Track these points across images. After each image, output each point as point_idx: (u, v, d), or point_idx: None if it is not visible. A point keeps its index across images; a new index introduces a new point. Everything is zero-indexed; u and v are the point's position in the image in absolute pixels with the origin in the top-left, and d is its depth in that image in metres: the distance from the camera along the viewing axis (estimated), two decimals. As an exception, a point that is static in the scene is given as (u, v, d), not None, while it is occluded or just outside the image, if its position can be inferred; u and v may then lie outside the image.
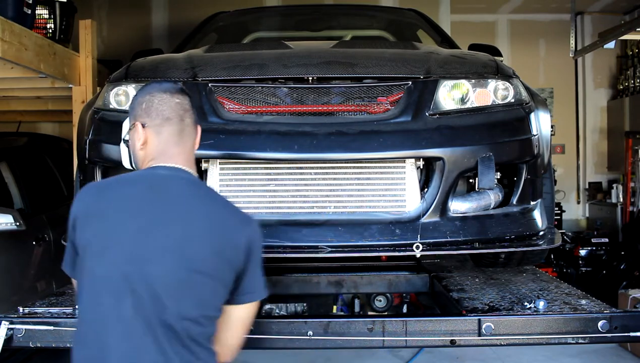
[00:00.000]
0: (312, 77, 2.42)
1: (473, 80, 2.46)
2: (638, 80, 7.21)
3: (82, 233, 1.54)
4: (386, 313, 4.64)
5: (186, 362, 1.47)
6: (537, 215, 2.50)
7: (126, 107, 2.47)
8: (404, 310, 4.91)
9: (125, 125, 1.75)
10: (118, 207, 1.54)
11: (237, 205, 2.32)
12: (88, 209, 1.56)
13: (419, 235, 2.29)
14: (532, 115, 2.48)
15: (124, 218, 1.52)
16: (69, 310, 2.31)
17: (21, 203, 4.39)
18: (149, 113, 1.64)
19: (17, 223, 3.78)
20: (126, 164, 2.34)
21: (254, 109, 2.39)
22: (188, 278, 1.49)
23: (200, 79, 2.44)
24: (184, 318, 1.47)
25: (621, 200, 6.95)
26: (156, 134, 1.64)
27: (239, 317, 1.63)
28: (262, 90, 2.43)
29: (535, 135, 2.46)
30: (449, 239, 2.32)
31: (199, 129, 1.72)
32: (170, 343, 1.46)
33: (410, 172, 2.34)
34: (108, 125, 2.44)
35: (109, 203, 1.55)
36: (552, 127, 2.74)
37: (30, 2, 3.56)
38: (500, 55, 3.15)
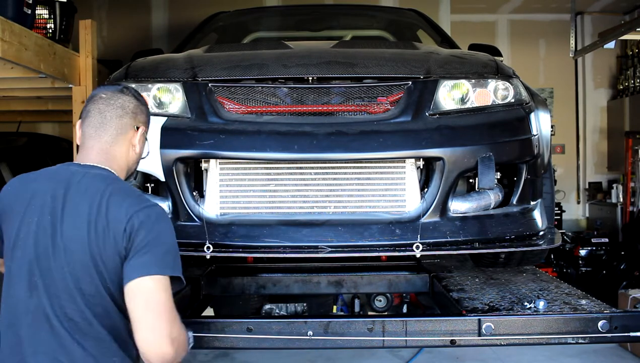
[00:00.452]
0: (312, 77, 2.42)
1: (473, 80, 2.46)
2: (638, 80, 7.21)
3: (3, 225, 1.63)
4: (386, 313, 4.66)
5: (89, 354, 1.52)
6: (537, 215, 2.50)
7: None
8: (404, 310, 4.92)
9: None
10: (29, 204, 1.59)
11: (237, 205, 2.33)
12: (9, 203, 1.63)
13: (419, 235, 2.29)
14: (532, 115, 2.48)
15: (31, 215, 1.58)
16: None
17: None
18: (83, 110, 1.73)
19: (17, 223, 3.77)
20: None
21: (254, 109, 2.40)
22: (80, 273, 1.53)
23: (200, 79, 2.45)
24: (83, 310, 1.52)
25: (621, 200, 6.95)
26: (82, 129, 1.71)
27: (131, 295, 1.52)
28: (262, 90, 2.43)
29: (535, 135, 2.46)
30: (449, 239, 2.32)
31: (141, 129, 1.75)
32: (71, 335, 1.52)
33: (410, 172, 2.34)
34: (108, 125, 2.44)
35: (23, 199, 1.61)
36: (552, 127, 2.74)
37: (30, 2, 3.55)
38: (500, 55, 3.15)
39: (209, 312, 3.46)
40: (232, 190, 2.35)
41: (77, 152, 1.71)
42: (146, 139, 1.81)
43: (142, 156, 1.81)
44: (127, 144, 1.72)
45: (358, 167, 2.34)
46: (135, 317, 1.51)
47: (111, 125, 1.69)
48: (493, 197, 2.43)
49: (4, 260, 1.64)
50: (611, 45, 6.18)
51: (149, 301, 1.50)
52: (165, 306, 1.52)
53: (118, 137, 1.70)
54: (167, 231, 1.59)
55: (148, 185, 2.53)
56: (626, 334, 2.16)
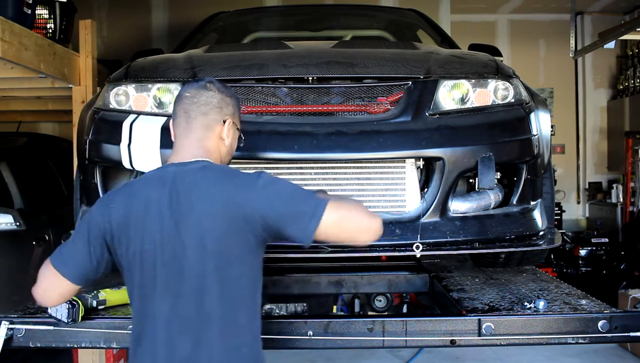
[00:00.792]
0: (312, 77, 2.42)
1: (473, 80, 2.45)
2: (638, 80, 7.21)
3: (120, 240, 1.61)
4: (386, 313, 4.65)
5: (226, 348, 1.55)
6: (537, 215, 2.50)
7: (126, 107, 2.47)
8: (404, 310, 4.92)
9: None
10: (145, 214, 1.59)
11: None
12: (122, 217, 1.60)
13: (419, 235, 2.29)
14: (532, 115, 2.48)
15: (152, 224, 1.58)
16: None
17: (21, 203, 4.39)
18: (173, 111, 1.76)
19: (17, 223, 3.78)
20: (126, 164, 2.36)
21: (254, 109, 2.39)
22: (215, 263, 1.56)
23: (200, 79, 2.44)
24: (220, 305, 1.55)
25: (621, 200, 6.96)
26: (173, 129, 1.75)
27: (329, 230, 1.58)
28: (262, 90, 2.43)
29: (535, 135, 2.46)
30: (449, 239, 2.32)
31: (228, 122, 1.74)
32: (209, 329, 1.56)
33: (410, 172, 2.34)
34: (108, 125, 2.44)
35: (137, 211, 1.60)
36: (552, 127, 2.73)
37: (30, 2, 3.55)
38: (500, 55, 3.15)
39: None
40: (232, 190, 2.35)
41: (172, 153, 1.73)
42: (238, 129, 1.81)
43: (239, 145, 1.84)
44: (216, 138, 1.72)
45: (358, 167, 2.34)
46: (345, 236, 1.62)
47: (197, 123, 1.70)
48: (493, 197, 2.43)
49: (125, 274, 1.64)
50: (611, 45, 6.18)
51: (336, 220, 1.57)
52: (344, 204, 1.62)
53: (206, 134, 1.70)
54: (284, 185, 1.63)
55: (148, 185, 2.53)
56: (626, 334, 2.15)
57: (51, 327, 2.14)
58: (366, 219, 1.61)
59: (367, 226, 1.62)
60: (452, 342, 2.15)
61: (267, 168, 2.34)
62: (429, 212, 2.32)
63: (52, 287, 1.71)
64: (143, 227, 1.58)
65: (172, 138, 1.76)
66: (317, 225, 1.54)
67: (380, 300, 4.68)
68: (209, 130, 1.71)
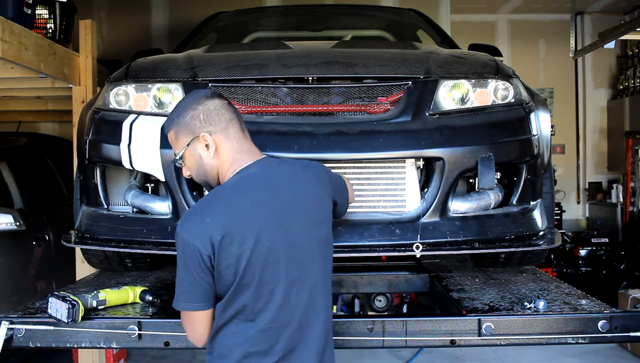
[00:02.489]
0: (312, 77, 2.42)
1: (473, 80, 2.45)
2: (638, 80, 7.21)
3: (226, 255, 1.59)
4: (386, 313, 4.65)
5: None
6: (537, 215, 2.50)
7: (126, 107, 2.47)
8: (404, 310, 4.91)
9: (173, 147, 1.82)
10: (248, 219, 1.62)
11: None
12: (226, 233, 1.58)
13: (419, 235, 2.29)
14: (532, 115, 2.48)
15: (268, 225, 1.63)
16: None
17: (21, 203, 4.39)
18: (210, 121, 1.72)
19: (17, 223, 3.78)
20: (126, 164, 2.36)
21: (254, 109, 2.39)
22: (325, 243, 1.75)
23: (200, 79, 2.44)
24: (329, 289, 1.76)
25: (621, 200, 6.96)
26: (225, 137, 1.72)
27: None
28: (262, 90, 2.43)
29: (535, 135, 2.45)
30: (449, 239, 2.32)
31: None
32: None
33: (410, 172, 2.34)
34: (108, 125, 2.44)
35: (242, 220, 1.61)
36: (552, 127, 2.73)
37: (30, 2, 3.55)
38: (500, 55, 3.15)
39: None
40: (232, 190, 2.35)
41: (233, 159, 1.73)
42: None
43: None
44: None
45: (358, 167, 2.34)
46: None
47: (245, 128, 1.79)
48: (493, 197, 2.43)
49: (244, 279, 1.61)
50: (611, 45, 6.18)
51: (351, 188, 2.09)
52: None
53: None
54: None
55: (148, 185, 2.53)
56: (626, 334, 2.15)
57: (51, 327, 2.14)
58: (349, 183, 2.10)
59: (351, 188, 2.12)
60: (452, 342, 2.16)
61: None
62: (429, 212, 2.32)
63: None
64: (251, 231, 1.60)
65: (218, 149, 1.72)
66: (349, 202, 2.00)
67: (380, 300, 4.68)
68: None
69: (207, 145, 1.72)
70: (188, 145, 1.74)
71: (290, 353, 1.63)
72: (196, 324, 1.69)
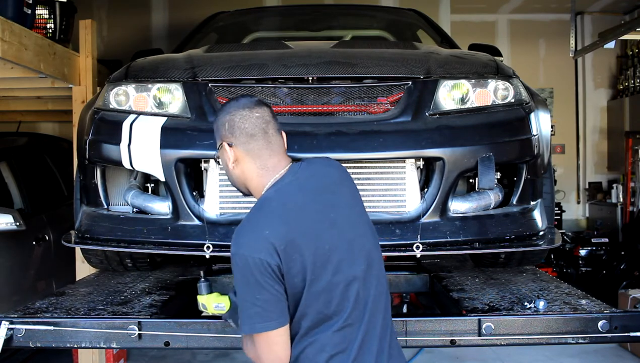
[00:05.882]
0: (312, 77, 2.42)
1: (473, 80, 2.45)
2: (638, 80, 7.21)
3: (292, 264, 1.57)
4: (386, 313, 4.64)
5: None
6: (537, 215, 2.50)
7: (126, 107, 2.47)
8: (404, 310, 4.91)
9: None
10: (308, 225, 1.61)
11: (238, 205, 2.33)
12: (288, 242, 1.56)
13: (419, 235, 2.29)
14: (532, 115, 2.48)
15: (322, 228, 1.62)
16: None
17: (21, 203, 4.39)
18: (232, 132, 1.70)
19: (17, 223, 3.78)
20: (126, 164, 2.36)
21: (254, 109, 2.39)
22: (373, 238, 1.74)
23: (200, 79, 2.44)
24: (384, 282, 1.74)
25: (621, 200, 6.96)
26: (245, 151, 1.70)
27: None
28: (262, 91, 2.43)
29: (535, 135, 2.45)
30: (449, 239, 2.32)
31: (284, 135, 1.78)
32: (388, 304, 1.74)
33: (410, 172, 2.34)
34: (108, 125, 2.44)
35: (298, 227, 1.59)
36: (552, 127, 2.73)
37: (30, 2, 3.56)
38: (500, 55, 3.15)
39: (209, 312, 3.46)
40: (232, 190, 2.34)
41: (259, 174, 1.71)
42: None
43: None
44: (284, 146, 1.78)
45: (358, 167, 2.34)
46: None
47: (275, 140, 1.73)
48: (493, 197, 2.43)
49: (311, 286, 1.58)
50: (611, 45, 6.18)
51: None
52: None
53: (282, 147, 1.75)
54: None
55: (148, 185, 2.53)
56: (626, 334, 2.16)
57: (51, 327, 2.14)
58: None
59: None
60: (452, 342, 2.16)
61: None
62: (429, 212, 2.32)
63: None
64: (314, 234, 1.59)
65: (233, 160, 1.71)
66: None
67: (380, 300, 4.67)
68: (283, 144, 1.76)
69: (227, 155, 1.72)
70: (218, 148, 1.76)
71: (364, 345, 1.62)
72: (275, 344, 1.57)
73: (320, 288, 1.58)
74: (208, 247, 2.29)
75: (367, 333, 1.63)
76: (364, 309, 1.63)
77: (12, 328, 2.13)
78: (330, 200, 1.67)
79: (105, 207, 2.52)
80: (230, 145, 1.70)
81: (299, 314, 1.59)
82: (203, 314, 1.97)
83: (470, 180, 2.49)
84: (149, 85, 2.47)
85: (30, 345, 2.16)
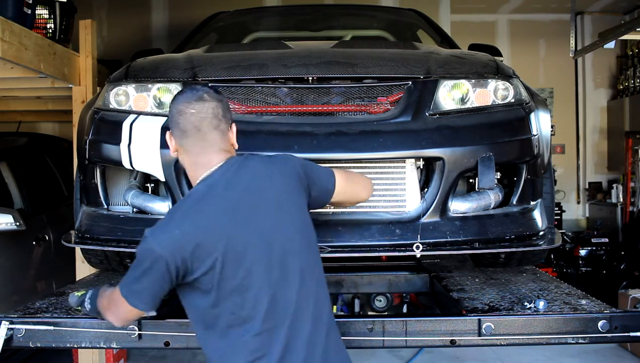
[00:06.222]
0: (312, 77, 2.42)
1: (473, 80, 2.45)
2: (638, 80, 7.21)
3: (198, 264, 1.59)
4: (386, 313, 4.65)
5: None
6: (537, 215, 2.50)
7: (126, 107, 2.47)
8: (404, 310, 4.91)
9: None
10: (219, 227, 1.61)
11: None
12: (197, 244, 1.58)
13: (419, 235, 2.29)
14: (532, 115, 2.48)
15: (240, 227, 1.62)
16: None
17: (21, 203, 4.39)
18: (172, 121, 1.76)
19: (17, 223, 3.78)
20: (126, 164, 2.36)
21: (254, 109, 2.39)
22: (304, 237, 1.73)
23: (200, 79, 2.44)
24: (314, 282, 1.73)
25: (621, 200, 6.96)
26: (180, 145, 1.75)
27: (342, 190, 1.95)
28: (262, 90, 2.43)
29: (535, 135, 2.45)
30: (449, 239, 2.32)
31: (233, 129, 1.79)
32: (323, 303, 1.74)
33: (410, 172, 2.34)
34: (108, 125, 2.44)
35: (210, 228, 1.60)
36: (552, 127, 2.73)
37: (30, 2, 3.56)
38: (500, 55, 3.15)
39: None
40: (232, 190, 2.35)
41: (196, 165, 1.74)
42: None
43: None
44: (229, 144, 1.78)
45: (358, 167, 2.34)
46: (355, 195, 2.05)
47: (212, 136, 1.73)
48: (493, 197, 2.43)
49: (223, 282, 1.61)
50: (611, 45, 6.18)
51: (344, 180, 1.98)
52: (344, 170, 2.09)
53: (222, 144, 1.75)
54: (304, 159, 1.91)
55: (148, 185, 2.53)
56: (626, 334, 2.16)
57: (51, 327, 2.14)
58: (363, 179, 2.08)
59: (365, 183, 2.07)
60: (452, 342, 2.16)
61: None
62: (429, 212, 2.32)
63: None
64: (225, 236, 1.60)
65: (175, 152, 1.78)
66: (334, 185, 1.89)
67: (380, 300, 4.67)
68: (224, 140, 1.75)
69: (170, 143, 1.79)
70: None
71: (288, 352, 1.62)
72: (124, 312, 1.71)
73: (230, 289, 1.59)
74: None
75: (291, 339, 1.61)
76: (284, 314, 1.61)
77: (12, 328, 2.13)
78: (253, 201, 1.65)
79: (105, 207, 2.52)
80: (172, 135, 1.77)
81: (212, 313, 1.62)
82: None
83: (470, 180, 2.49)
84: (149, 85, 2.47)
85: (30, 345, 2.16)
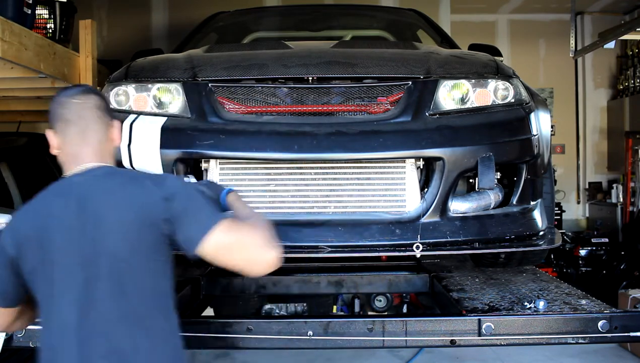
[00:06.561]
0: (312, 77, 2.42)
1: (473, 80, 2.45)
2: (638, 80, 7.21)
3: (27, 258, 1.59)
4: (386, 313, 4.65)
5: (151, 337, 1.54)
6: (537, 215, 2.50)
7: (126, 107, 2.47)
8: (404, 310, 4.92)
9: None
10: (47, 225, 1.58)
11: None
12: (27, 235, 1.59)
13: (419, 235, 2.29)
14: (532, 115, 2.48)
15: (62, 238, 1.56)
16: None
17: (21, 203, 4.39)
18: (54, 118, 1.74)
19: (17, 224, 3.77)
20: (126, 164, 2.36)
21: (254, 109, 2.40)
22: (127, 265, 1.53)
23: (200, 79, 2.45)
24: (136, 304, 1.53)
25: (621, 200, 6.95)
26: (62, 137, 1.71)
27: (218, 244, 1.53)
28: (262, 90, 2.43)
29: (535, 135, 2.46)
30: (449, 239, 2.32)
31: (116, 123, 1.76)
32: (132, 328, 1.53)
33: (410, 172, 2.34)
34: (108, 125, 2.44)
35: (42, 227, 1.58)
36: (552, 127, 2.73)
37: (30, 2, 3.55)
38: (500, 55, 3.15)
39: (209, 312, 3.46)
40: (232, 190, 2.35)
41: (69, 160, 1.70)
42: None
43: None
44: (109, 141, 1.74)
45: (358, 167, 2.34)
46: (234, 263, 1.56)
47: (91, 129, 1.70)
48: (493, 197, 2.43)
49: (33, 287, 1.60)
50: (611, 45, 6.18)
51: (227, 243, 1.53)
52: (243, 229, 1.57)
53: (101, 139, 1.71)
54: (189, 192, 1.61)
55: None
56: (626, 334, 2.16)
57: (51, 327, 2.13)
58: (261, 252, 1.55)
59: (260, 259, 1.55)
60: (452, 342, 2.16)
61: (267, 168, 2.34)
62: (429, 212, 2.32)
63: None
64: (48, 240, 1.56)
65: (55, 147, 1.73)
66: (201, 240, 1.51)
67: (380, 300, 4.68)
68: (104, 135, 1.71)
69: (50, 141, 1.75)
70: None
71: None
72: None
73: (42, 295, 1.59)
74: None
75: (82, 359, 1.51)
76: (67, 341, 1.52)
77: (12, 328, 2.13)
78: (86, 220, 1.55)
79: (105, 207, 2.52)
80: (54, 132, 1.74)
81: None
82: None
83: (470, 180, 2.49)
84: (149, 85, 2.47)
85: (30, 345, 2.15)
